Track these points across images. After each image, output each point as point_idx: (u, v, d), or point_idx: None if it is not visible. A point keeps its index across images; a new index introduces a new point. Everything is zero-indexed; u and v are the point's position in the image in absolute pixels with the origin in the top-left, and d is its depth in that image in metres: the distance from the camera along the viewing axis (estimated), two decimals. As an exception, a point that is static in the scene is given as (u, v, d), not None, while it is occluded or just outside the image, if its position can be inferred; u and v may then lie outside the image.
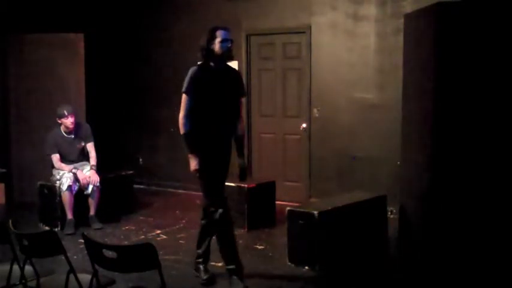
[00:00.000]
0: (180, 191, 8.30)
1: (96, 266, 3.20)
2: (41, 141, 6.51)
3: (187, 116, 4.34)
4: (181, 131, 4.37)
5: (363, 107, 6.83)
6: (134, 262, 3.09)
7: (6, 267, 3.48)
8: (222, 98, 4.39)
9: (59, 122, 6.33)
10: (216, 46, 4.37)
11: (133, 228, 6.33)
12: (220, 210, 4.38)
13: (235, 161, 4.56)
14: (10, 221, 3.65)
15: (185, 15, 8.18)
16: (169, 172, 8.53)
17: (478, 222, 4.22)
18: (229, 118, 4.48)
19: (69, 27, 7.73)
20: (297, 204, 5.87)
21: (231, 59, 4.47)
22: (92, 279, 3.22)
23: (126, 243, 5.61)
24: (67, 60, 7.51)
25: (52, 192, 6.28)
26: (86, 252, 3.27)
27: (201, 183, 4.50)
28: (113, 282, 3.44)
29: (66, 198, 6.14)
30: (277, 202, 6.47)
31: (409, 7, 6.18)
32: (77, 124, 6.40)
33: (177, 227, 6.39)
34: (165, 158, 8.58)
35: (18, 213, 6.83)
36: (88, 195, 6.28)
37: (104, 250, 3.11)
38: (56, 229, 6.10)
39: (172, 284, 4.26)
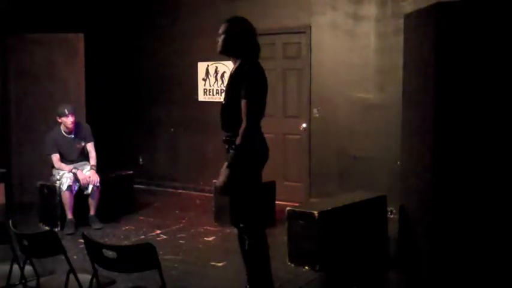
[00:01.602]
0: (180, 191, 8.31)
1: (96, 266, 3.20)
2: (41, 141, 6.51)
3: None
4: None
5: (363, 107, 6.83)
6: (134, 262, 3.09)
7: (6, 267, 3.48)
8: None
9: (59, 121, 6.33)
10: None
11: (133, 228, 6.33)
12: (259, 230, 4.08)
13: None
14: (10, 221, 3.65)
15: (185, 15, 8.18)
16: (169, 172, 8.54)
17: (478, 222, 4.22)
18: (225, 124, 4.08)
19: (69, 27, 7.73)
20: (297, 204, 5.86)
21: (221, 53, 4.00)
22: (92, 279, 3.22)
23: (126, 243, 5.60)
24: (67, 60, 7.51)
25: (52, 192, 6.28)
26: (86, 252, 3.27)
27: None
28: (113, 282, 3.44)
29: (66, 198, 6.14)
30: (277, 202, 6.47)
31: (409, 7, 6.18)
32: (77, 124, 6.40)
33: (177, 227, 6.39)
34: (165, 158, 8.59)
35: (18, 213, 6.84)
36: (88, 195, 6.28)
37: (104, 250, 3.11)
38: (56, 229, 6.09)
39: (172, 284, 4.25)
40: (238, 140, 3.84)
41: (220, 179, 3.95)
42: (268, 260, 4.09)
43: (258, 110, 3.93)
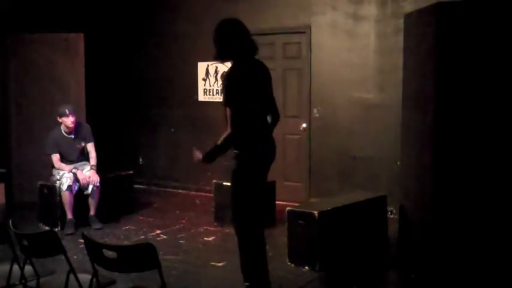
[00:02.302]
0: (180, 191, 8.30)
1: (96, 266, 3.20)
2: (41, 141, 6.51)
3: None
4: None
5: (363, 107, 6.83)
6: (134, 262, 3.09)
7: (6, 267, 3.48)
8: None
9: (60, 120, 6.33)
10: None
11: (133, 228, 6.33)
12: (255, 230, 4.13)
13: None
14: (10, 221, 3.65)
15: (185, 15, 8.18)
16: (169, 172, 8.53)
17: (478, 221, 4.22)
18: None
19: (69, 27, 7.73)
20: (297, 204, 5.86)
21: (215, 59, 4.13)
22: (92, 279, 3.22)
23: (126, 243, 5.60)
24: (67, 60, 7.51)
25: (52, 192, 6.28)
26: (86, 252, 3.28)
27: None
28: (113, 282, 3.44)
29: (66, 198, 6.14)
30: (277, 202, 6.47)
31: (409, 7, 6.18)
32: (77, 124, 6.40)
33: (177, 227, 6.39)
34: (165, 158, 8.59)
35: (18, 213, 6.83)
36: (88, 195, 6.28)
37: (104, 250, 3.11)
38: (56, 229, 6.09)
39: (172, 284, 4.26)
40: (219, 140, 3.92)
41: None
42: (263, 260, 4.12)
43: (243, 113, 3.91)
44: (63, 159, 6.33)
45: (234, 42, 3.95)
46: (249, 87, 3.96)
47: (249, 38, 4.00)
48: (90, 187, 6.24)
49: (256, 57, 4.14)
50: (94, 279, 3.22)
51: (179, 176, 8.39)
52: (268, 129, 4.15)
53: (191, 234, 6.10)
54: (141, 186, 8.38)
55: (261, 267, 4.14)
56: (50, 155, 6.32)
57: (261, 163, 4.10)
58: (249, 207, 4.05)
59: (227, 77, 3.93)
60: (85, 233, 3.49)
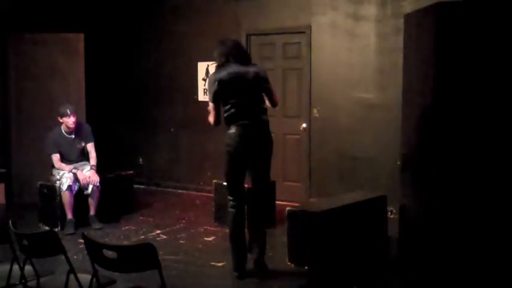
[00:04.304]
0: (180, 191, 8.30)
1: (96, 266, 3.20)
2: (41, 141, 6.51)
3: None
4: None
5: (363, 107, 6.82)
6: (134, 262, 3.09)
7: (6, 267, 3.48)
8: None
9: (60, 121, 6.33)
10: None
11: (133, 228, 6.33)
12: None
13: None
14: (10, 221, 3.65)
15: (185, 14, 8.18)
16: (169, 172, 8.54)
17: (478, 221, 4.22)
18: None
19: (69, 27, 7.73)
20: (297, 204, 5.86)
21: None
22: (92, 279, 3.22)
23: (126, 243, 5.61)
24: (67, 60, 7.51)
25: (52, 192, 6.27)
26: (86, 252, 3.28)
27: None
28: (113, 282, 3.44)
29: (66, 198, 6.14)
30: (277, 202, 6.47)
31: (409, 7, 6.18)
32: (77, 124, 6.40)
33: (177, 227, 6.39)
34: (165, 158, 8.59)
35: (18, 213, 6.83)
36: (88, 195, 6.28)
37: (104, 250, 3.11)
38: (56, 229, 6.09)
39: (172, 284, 4.25)
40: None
41: None
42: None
43: (212, 105, 4.64)
44: (63, 159, 6.33)
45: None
46: (215, 88, 4.60)
47: (225, 49, 4.67)
48: (90, 187, 6.24)
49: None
50: (94, 279, 3.22)
51: (179, 176, 8.39)
52: (247, 118, 4.63)
53: (191, 234, 6.10)
54: (141, 186, 8.38)
55: None
56: (50, 155, 6.32)
57: (233, 145, 4.60)
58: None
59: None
60: (85, 233, 3.49)
